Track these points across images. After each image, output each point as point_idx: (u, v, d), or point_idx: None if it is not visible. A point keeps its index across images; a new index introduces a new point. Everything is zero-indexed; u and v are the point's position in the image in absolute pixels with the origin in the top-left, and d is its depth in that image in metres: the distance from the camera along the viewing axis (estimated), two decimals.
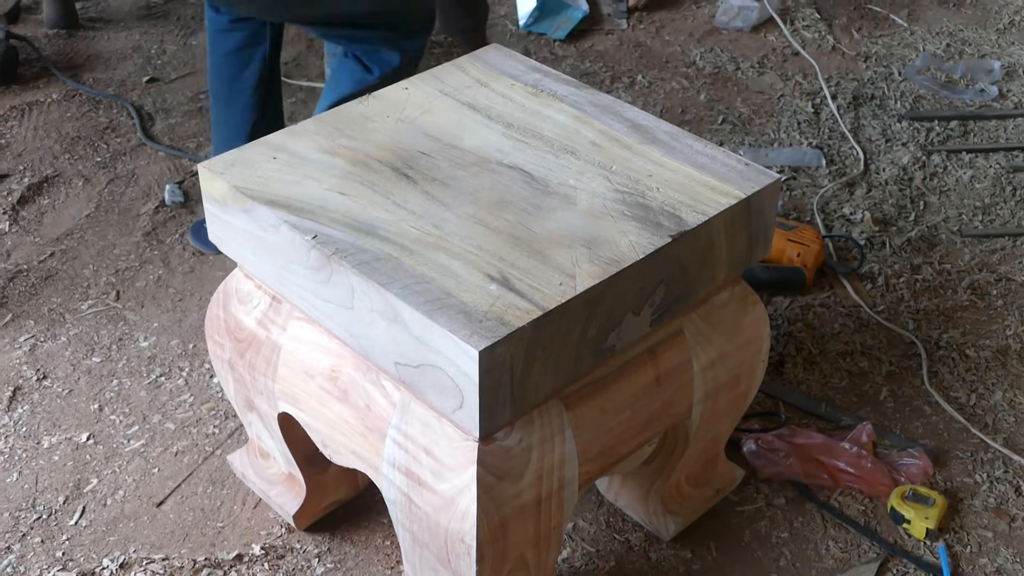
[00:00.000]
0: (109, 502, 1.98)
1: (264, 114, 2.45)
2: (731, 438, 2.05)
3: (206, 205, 1.67)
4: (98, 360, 2.26)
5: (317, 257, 1.50)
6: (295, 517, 1.89)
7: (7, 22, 3.34)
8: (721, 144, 2.93)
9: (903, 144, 2.93)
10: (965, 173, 2.83)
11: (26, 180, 2.74)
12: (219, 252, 2.48)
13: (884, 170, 2.83)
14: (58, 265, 2.50)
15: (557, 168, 1.65)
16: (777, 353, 2.29)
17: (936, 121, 3.03)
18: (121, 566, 1.86)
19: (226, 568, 1.86)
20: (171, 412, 2.15)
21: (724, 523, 1.95)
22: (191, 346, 2.28)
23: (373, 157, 1.66)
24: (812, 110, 3.07)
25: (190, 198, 2.69)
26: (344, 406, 1.60)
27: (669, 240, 1.51)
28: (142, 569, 1.86)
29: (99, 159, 2.83)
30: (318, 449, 1.72)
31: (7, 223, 2.61)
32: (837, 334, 2.34)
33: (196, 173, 2.71)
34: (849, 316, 2.39)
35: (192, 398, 2.17)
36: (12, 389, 2.19)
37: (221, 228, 1.67)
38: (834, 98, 3.11)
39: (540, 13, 3.40)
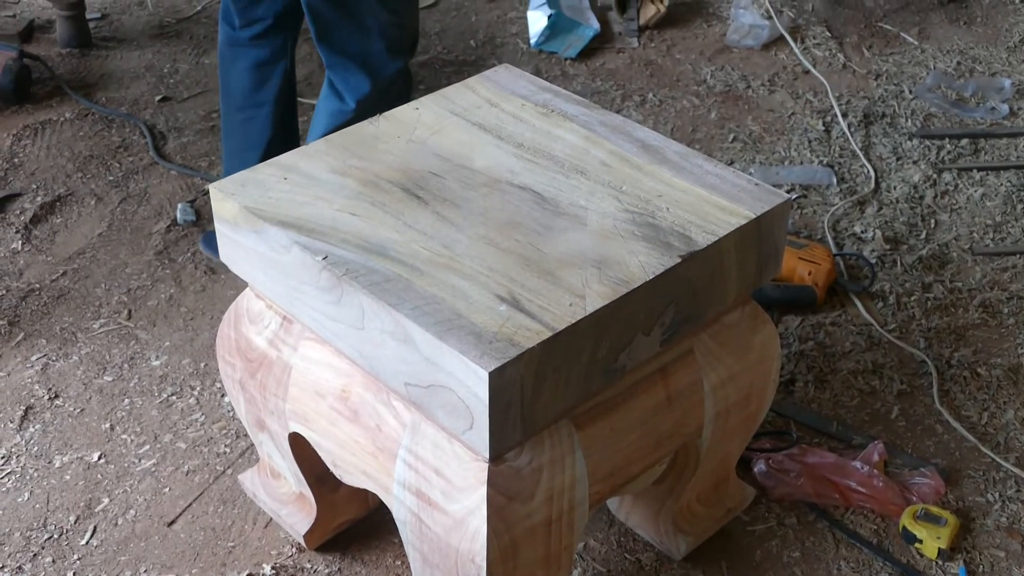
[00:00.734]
0: (120, 522, 1.98)
1: (282, 130, 2.45)
2: (742, 457, 2.05)
3: (217, 225, 1.68)
4: (110, 379, 2.27)
5: (328, 278, 1.50)
6: (306, 537, 1.89)
7: (21, 41, 3.36)
8: (732, 163, 2.93)
9: (914, 162, 2.93)
10: (976, 191, 2.83)
11: (39, 199, 2.76)
12: None
13: (895, 188, 2.83)
14: (70, 284, 2.51)
15: (567, 188, 1.65)
16: (788, 372, 2.28)
17: (947, 139, 3.03)
18: None
19: None
20: (182, 431, 2.15)
21: (735, 543, 1.94)
22: (203, 365, 2.29)
23: (384, 178, 1.67)
24: (823, 128, 3.07)
25: (202, 217, 2.70)
26: (355, 426, 1.60)
27: (679, 260, 1.52)
28: None
29: (111, 178, 2.85)
30: (329, 469, 1.72)
31: (20, 242, 2.63)
32: (848, 353, 2.34)
33: (208, 192, 2.72)
34: (860, 335, 2.38)
35: (203, 417, 2.18)
36: (24, 408, 2.20)
37: (232, 248, 1.68)
38: (845, 116, 3.11)
39: (551, 32, 3.41)
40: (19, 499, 2.02)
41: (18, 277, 2.53)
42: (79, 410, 2.20)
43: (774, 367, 1.79)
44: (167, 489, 2.04)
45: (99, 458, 2.10)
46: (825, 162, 2.93)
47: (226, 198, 1.63)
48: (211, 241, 2.54)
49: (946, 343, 2.36)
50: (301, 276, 1.55)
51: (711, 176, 1.68)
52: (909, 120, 3.11)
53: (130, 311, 2.44)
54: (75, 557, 1.92)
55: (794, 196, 2.79)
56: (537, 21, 3.42)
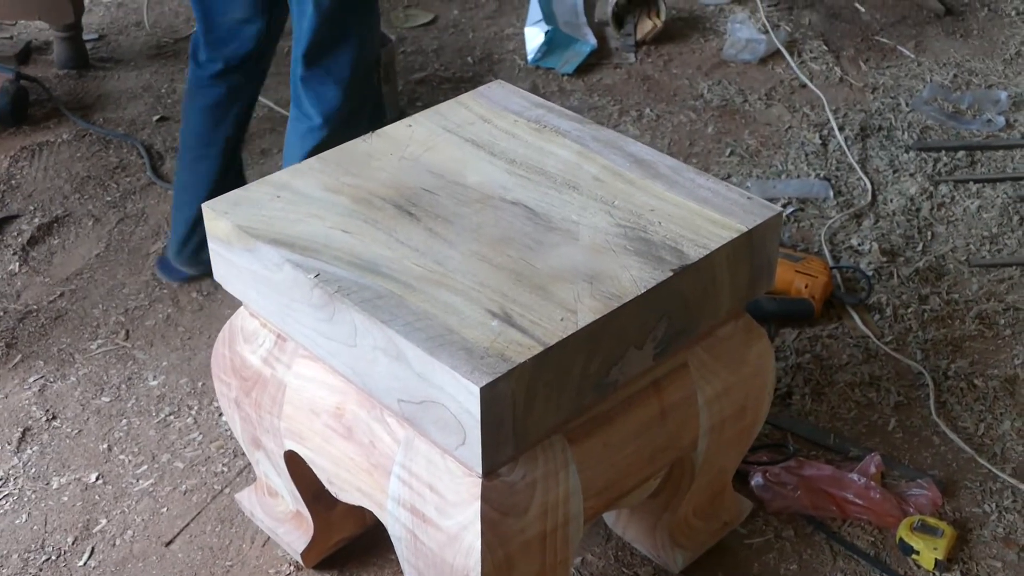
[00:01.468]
0: (118, 542, 1.98)
1: (227, 172, 2.47)
2: (738, 471, 2.05)
3: (211, 244, 1.69)
4: (107, 400, 2.27)
5: (320, 295, 1.51)
6: (303, 555, 1.89)
7: (18, 63, 3.38)
8: (728, 176, 2.94)
9: (910, 175, 2.93)
10: (972, 203, 2.83)
11: (36, 220, 2.77)
12: (184, 279, 2.52)
13: (891, 201, 2.84)
14: (68, 305, 2.52)
15: (560, 204, 1.66)
16: (785, 384, 2.28)
17: (943, 151, 3.04)
18: None
19: None
20: (180, 451, 2.15)
21: (733, 556, 1.94)
22: (200, 384, 2.29)
23: (376, 195, 1.67)
24: (820, 141, 3.07)
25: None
26: (349, 443, 1.60)
27: (671, 274, 1.52)
28: None
29: (109, 198, 2.85)
30: (324, 487, 1.72)
31: (17, 264, 2.63)
32: (845, 365, 2.34)
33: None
34: (857, 347, 2.38)
35: (201, 436, 2.18)
36: (21, 430, 2.20)
37: (226, 267, 1.68)
38: (841, 129, 3.11)
39: (548, 48, 3.42)
40: (17, 521, 2.02)
41: (15, 299, 2.53)
42: (77, 431, 2.20)
43: (769, 380, 1.79)
44: (165, 509, 2.04)
45: (97, 479, 2.10)
46: (822, 175, 2.93)
47: (219, 217, 1.64)
48: (164, 265, 2.56)
49: (943, 355, 2.36)
50: (293, 294, 1.56)
51: (703, 190, 1.69)
52: (906, 133, 3.12)
53: (128, 331, 2.44)
54: None
55: (791, 209, 2.80)
56: (534, 37, 3.43)
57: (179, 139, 2.56)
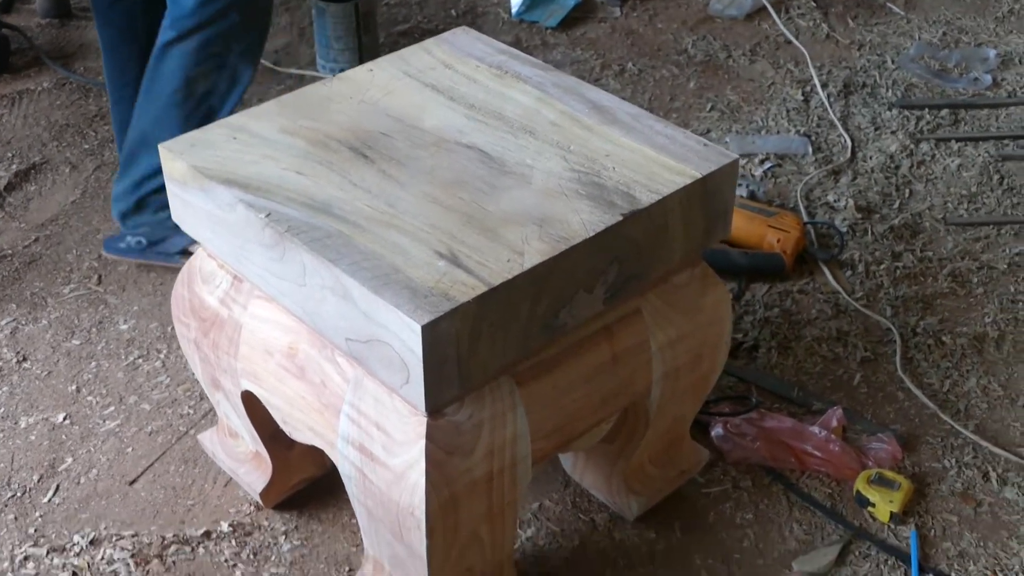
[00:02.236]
0: (83, 480, 2.00)
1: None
2: (700, 422, 2.06)
3: (168, 185, 1.69)
4: (78, 343, 2.28)
5: (271, 235, 1.52)
6: (262, 495, 1.91)
7: (0, 12, 3.37)
8: (708, 131, 2.93)
9: (892, 132, 2.92)
10: (953, 161, 2.82)
11: (14, 167, 2.77)
12: (131, 256, 2.45)
13: (871, 158, 2.83)
14: (42, 250, 2.53)
15: (515, 148, 1.66)
16: (752, 338, 2.29)
17: (927, 109, 3.02)
18: (91, 542, 1.89)
19: (194, 544, 1.88)
20: (147, 393, 2.17)
21: (690, 504, 1.96)
22: (169, 329, 2.30)
23: (333, 137, 1.68)
24: (802, 98, 3.06)
25: None
26: (301, 383, 1.62)
27: (620, 218, 1.52)
28: (111, 545, 1.88)
29: (87, 146, 2.86)
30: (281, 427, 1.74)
31: None
32: (814, 320, 2.34)
33: None
34: (827, 303, 2.39)
35: (168, 380, 2.20)
36: None
37: (183, 208, 1.69)
38: (825, 86, 3.10)
39: (532, 1, 3.40)
40: None
41: None
42: (46, 372, 2.22)
43: (726, 329, 1.80)
44: (130, 449, 2.06)
45: (64, 419, 2.12)
46: (802, 132, 2.92)
47: (175, 158, 1.64)
48: (111, 243, 2.47)
49: (913, 311, 2.36)
50: (247, 234, 1.57)
51: (660, 137, 1.68)
52: (890, 90, 3.10)
53: (100, 276, 2.45)
54: (37, 514, 1.94)
55: (768, 165, 2.79)
56: None
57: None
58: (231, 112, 2.27)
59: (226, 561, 1.86)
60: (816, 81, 3.11)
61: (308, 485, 1.96)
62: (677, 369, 1.74)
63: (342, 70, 2.35)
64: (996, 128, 2.97)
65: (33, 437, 2.08)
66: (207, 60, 2.23)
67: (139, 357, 2.24)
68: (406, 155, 1.64)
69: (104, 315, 2.35)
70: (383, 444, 1.50)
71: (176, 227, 1.75)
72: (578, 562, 1.86)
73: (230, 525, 1.91)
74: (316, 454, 1.93)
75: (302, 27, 3.34)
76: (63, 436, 2.09)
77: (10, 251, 2.52)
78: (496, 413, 1.51)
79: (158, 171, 2.12)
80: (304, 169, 1.61)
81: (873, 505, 1.93)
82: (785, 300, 2.39)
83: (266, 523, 1.92)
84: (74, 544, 1.88)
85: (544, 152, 1.65)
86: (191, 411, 2.13)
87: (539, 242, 1.48)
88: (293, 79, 3.13)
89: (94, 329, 2.31)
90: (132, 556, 1.86)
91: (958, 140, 2.92)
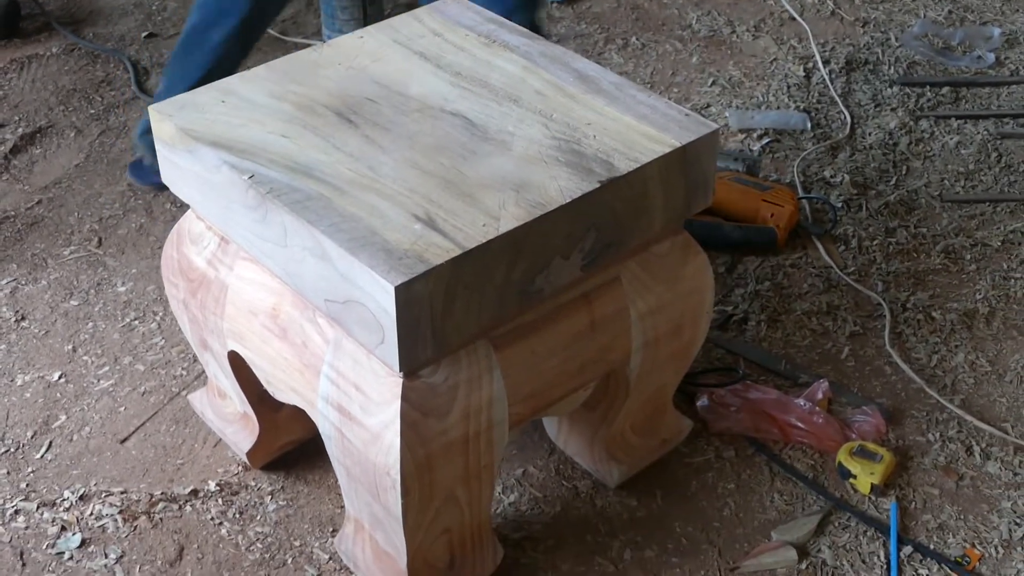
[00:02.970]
0: (75, 438, 2.04)
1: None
2: (686, 393, 2.08)
3: (157, 146, 1.72)
4: (76, 303, 2.32)
5: (254, 196, 1.54)
6: (249, 455, 1.94)
7: None
8: (708, 107, 2.94)
9: (892, 109, 2.92)
10: (951, 139, 2.82)
11: (20, 130, 2.81)
12: (154, 186, 2.54)
13: (870, 135, 2.83)
14: (44, 212, 2.56)
15: (498, 115, 1.67)
16: (742, 311, 2.30)
17: (928, 87, 3.02)
18: (81, 498, 1.92)
19: (181, 502, 1.91)
20: (142, 354, 2.20)
21: (672, 473, 1.98)
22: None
23: (319, 102, 1.70)
24: (803, 74, 3.06)
25: None
26: (284, 343, 1.64)
27: (598, 185, 1.54)
28: (100, 501, 1.91)
29: (93, 111, 2.89)
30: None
31: None
32: (805, 294, 2.35)
33: None
34: (819, 277, 2.40)
35: (163, 341, 2.23)
36: None
37: (171, 169, 1.71)
38: (827, 63, 3.10)
39: None
40: None
41: None
42: (44, 332, 2.25)
43: (707, 298, 1.81)
44: (123, 408, 2.09)
45: (59, 378, 2.15)
46: (802, 108, 2.93)
47: (164, 119, 1.67)
48: (136, 168, 2.59)
49: (904, 287, 2.37)
50: (231, 195, 1.59)
51: (643, 106, 1.70)
52: (892, 68, 3.10)
53: (100, 239, 2.48)
54: (29, 470, 1.98)
55: (766, 140, 2.80)
56: None
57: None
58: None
59: (212, 519, 1.89)
60: (818, 58, 3.11)
61: (296, 447, 1.99)
62: (657, 338, 1.76)
63: None
64: (997, 107, 2.96)
65: (28, 394, 2.12)
66: None
67: (135, 319, 2.28)
68: (390, 121, 1.66)
69: (103, 277, 2.38)
70: (361, 404, 1.52)
71: None
72: (559, 527, 1.89)
73: (217, 484, 1.94)
74: (303, 417, 1.94)
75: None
76: (58, 394, 2.12)
77: (13, 212, 2.56)
78: (472, 376, 1.53)
79: None
80: (289, 132, 1.63)
81: (854, 477, 1.94)
82: (777, 274, 2.40)
83: (253, 483, 1.95)
84: (64, 499, 1.92)
85: (526, 120, 1.66)
86: (184, 372, 2.16)
87: (515, 207, 1.50)
88: (299, 48, 3.14)
89: (92, 290, 2.35)
90: (120, 512, 1.89)
91: (958, 118, 2.91)
